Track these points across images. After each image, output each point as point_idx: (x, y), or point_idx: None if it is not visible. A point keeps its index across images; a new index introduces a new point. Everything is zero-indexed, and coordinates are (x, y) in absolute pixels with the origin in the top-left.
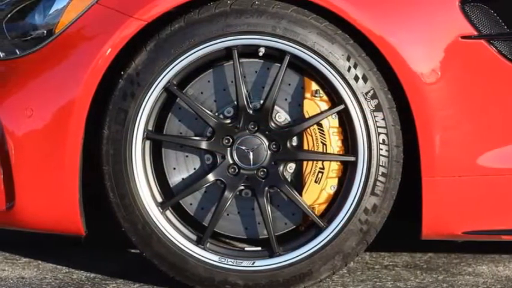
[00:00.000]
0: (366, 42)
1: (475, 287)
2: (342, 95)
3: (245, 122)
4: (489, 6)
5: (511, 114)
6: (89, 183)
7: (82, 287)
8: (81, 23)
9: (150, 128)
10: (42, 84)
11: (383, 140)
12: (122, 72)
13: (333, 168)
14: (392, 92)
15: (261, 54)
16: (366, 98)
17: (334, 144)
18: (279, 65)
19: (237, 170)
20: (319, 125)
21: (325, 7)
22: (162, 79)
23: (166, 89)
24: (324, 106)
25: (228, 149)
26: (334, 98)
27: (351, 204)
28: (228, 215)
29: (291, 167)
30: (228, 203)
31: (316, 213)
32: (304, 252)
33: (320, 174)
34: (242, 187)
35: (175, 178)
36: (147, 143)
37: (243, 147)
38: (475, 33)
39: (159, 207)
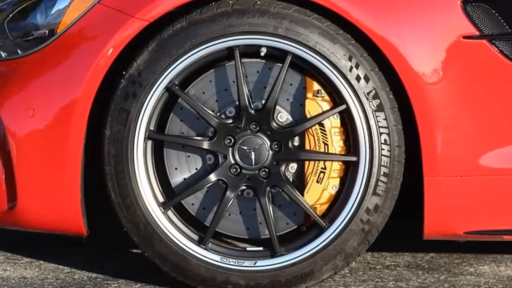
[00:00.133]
0: (367, 42)
1: (477, 287)
2: (344, 95)
3: (247, 122)
4: (491, 6)
5: None
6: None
7: (84, 287)
8: (83, 23)
9: (151, 128)
10: (44, 84)
11: (385, 140)
12: (124, 72)
13: (335, 168)
14: (394, 92)
15: (262, 54)
16: (367, 98)
17: (336, 144)
18: (281, 65)
19: (238, 170)
20: (321, 125)
21: (327, 7)
22: (163, 79)
23: (168, 89)
24: (326, 106)
25: (230, 149)
26: (336, 98)
27: (353, 204)
28: (229, 215)
29: (293, 167)
30: (230, 203)
31: (317, 213)
32: (306, 252)
33: (322, 174)
34: (244, 187)
35: (177, 178)
36: (149, 143)
37: (245, 147)
38: (477, 33)
39: (161, 208)
